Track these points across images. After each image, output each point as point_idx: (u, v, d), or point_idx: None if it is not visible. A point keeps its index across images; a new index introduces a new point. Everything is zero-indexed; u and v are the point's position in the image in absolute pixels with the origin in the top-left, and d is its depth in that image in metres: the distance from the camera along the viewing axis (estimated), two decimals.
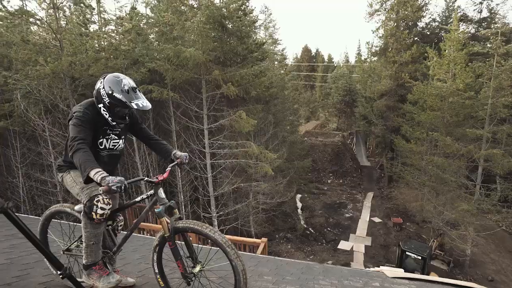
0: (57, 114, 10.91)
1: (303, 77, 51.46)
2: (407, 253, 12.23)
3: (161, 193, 2.02)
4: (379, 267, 5.13)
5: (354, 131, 37.23)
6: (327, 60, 59.17)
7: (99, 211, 1.87)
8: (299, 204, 21.29)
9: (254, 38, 14.29)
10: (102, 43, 12.14)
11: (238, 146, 12.00)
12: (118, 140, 2.21)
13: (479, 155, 12.82)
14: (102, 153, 2.15)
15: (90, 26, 11.82)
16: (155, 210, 1.99)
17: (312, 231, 17.97)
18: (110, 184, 1.64)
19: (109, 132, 2.13)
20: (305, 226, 18.41)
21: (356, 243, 16.44)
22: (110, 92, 1.92)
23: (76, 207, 2.18)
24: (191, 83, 12.39)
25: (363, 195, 23.62)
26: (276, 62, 25.37)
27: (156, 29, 13.51)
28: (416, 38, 22.01)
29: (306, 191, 22.96)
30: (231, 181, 12.64)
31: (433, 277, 4.69)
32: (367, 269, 6.25)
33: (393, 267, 11.22)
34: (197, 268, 2.04)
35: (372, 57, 26.03)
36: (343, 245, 16.36)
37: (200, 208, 12.93)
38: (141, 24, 13.60)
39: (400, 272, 4.39)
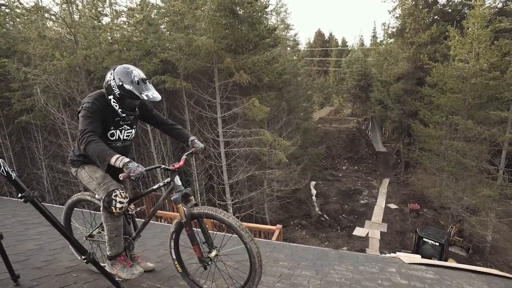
0: (75, 107, 11.24)
1: (316, 63, 50.25)
2: (424, 239, 12.06)
3: (178, 180, 2.06)
4: (395, 253, 5.10)
5: (370, 116, 36.32)
6: (341, 44, 57.31)
7: (118, 205, 1.93)
8: (314, 191, 21.26)
9: (266, 24, 13.98)
10: (115, 35, 12.25)
11: (252, 134, 11.98)
12: (131, 130, 2.23)
13: (503, 138, 12.26)
14: (116, 144, 2.16)
15: (102, 19, 11.90)
16: (172, 197, 2.03)
17: (327, 217, 17.98)
18: (131, 174, 1.70)
19: (122, 123, 2.13)
20: (320, 213, 18.42)
21: (372, 230, 16.34)
22: (120, 83, 1.91)
23: (97, 196, 2.27)
24: (204, 72, 12.37)
25: (379, 181, 23.27)
26: (288, 48, 24.85)
27: (167, 18, 13.44)
28: (436, 17, 20.86)
29: (320, 178, 22.81)
30: (246, 169, 12.73)
31: (451, 263, 4.62)
32: (383, 255, 6.22)
33: (410, 253, 11.12)
34: (213, 253, 2.09)
35: (388, 39, 24.98)
36: (358, 231, 16.31)
37: (215, 196, 13.16)
38: (152, 15, 13.56)
39: (417, 258, 4.35)
